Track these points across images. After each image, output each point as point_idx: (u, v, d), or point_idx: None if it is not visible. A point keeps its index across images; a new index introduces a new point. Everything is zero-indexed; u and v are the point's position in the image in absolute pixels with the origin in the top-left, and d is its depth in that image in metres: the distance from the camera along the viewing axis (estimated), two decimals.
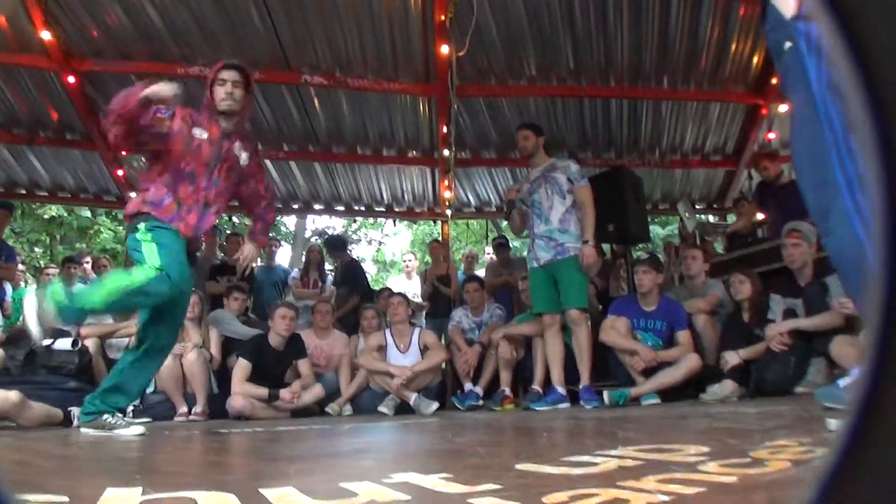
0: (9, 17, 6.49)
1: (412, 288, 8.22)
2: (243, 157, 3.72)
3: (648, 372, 5.18)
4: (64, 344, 5.41)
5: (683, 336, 5.28)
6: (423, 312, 7.76)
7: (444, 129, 7.33)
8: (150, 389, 5.69)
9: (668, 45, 7.08)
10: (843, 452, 0.48)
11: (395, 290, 7.20)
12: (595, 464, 1.67)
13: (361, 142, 8.43)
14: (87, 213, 14.16)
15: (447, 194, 8.38)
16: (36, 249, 14.82)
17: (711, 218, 9.75)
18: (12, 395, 4.10)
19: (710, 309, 5.53)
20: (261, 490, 1.38)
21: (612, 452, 1.85)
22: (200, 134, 3.54)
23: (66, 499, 1.27)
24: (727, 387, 4.83)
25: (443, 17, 6.10)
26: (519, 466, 1.68)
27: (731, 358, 4.92)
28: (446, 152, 7.46)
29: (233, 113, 3.63)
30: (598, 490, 1.25)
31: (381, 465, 1.95)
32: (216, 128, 3.59)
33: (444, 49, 6.38)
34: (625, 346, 5.25)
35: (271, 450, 2.14)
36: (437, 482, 1.45)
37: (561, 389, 5.19)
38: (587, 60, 7.21)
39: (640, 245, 9.27)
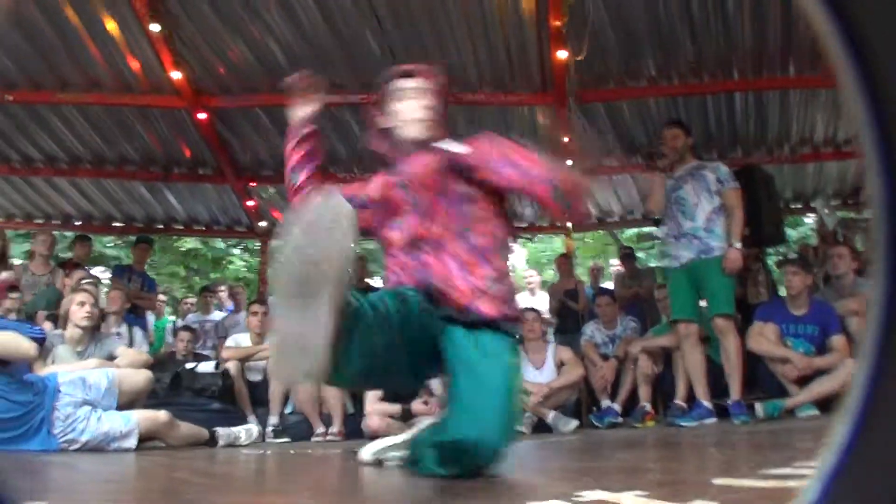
0: (141, 61, 6.88)
1: (537, 304, 8.06)
2: None
3: (802, 382, 4.82)
4: (207, 367, 5.62)
5: (838, 341, 4.89)
6: (552, 329, 7.58)
7: (565, 140, 7.16)
8: (288, 410, 5.82)
9: (792, 28, 6.60)
10: (844, 452, 0.49)
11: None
12: (805, 476, 1.49)
13: None
14: (221, 245, 14.90)
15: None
16: (174, 282, 15.70)
17: (853, 214, 9.07)
18: (162, 415, 4.28)
19: (863, 309, 5.10)
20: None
21: (812, 464, 1.66)
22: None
23: None
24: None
25: (558, 22, 5.96)
26: (716, 481, 1.52)
27: None
28: (567, 162, 7.27)
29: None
30: None
31: (557, 483, 1.83)
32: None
33: (562, 55, 6.23)
34: (777, 353, 4.91)
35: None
36: (636, 500, 1.31)
37: (707, 403, 4.89)
38: (708, 54, 6.83)
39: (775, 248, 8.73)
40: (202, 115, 7.40)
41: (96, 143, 8.16)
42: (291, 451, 3.77)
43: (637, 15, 6.35)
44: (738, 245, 4.84)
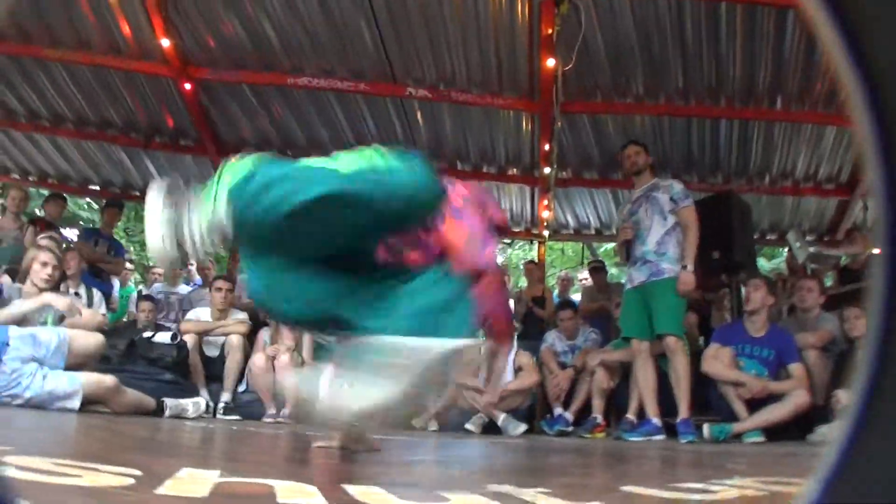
0: (133, 25, 6.83)
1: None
2: None
3: (752, 407, 4.86)
4: (163, 337, 5.58)
5: (797, 369, 4.90)
6: (516, 333, 7.60)
7: (547, 147, 7.19)
8: (242, 389, 5.80)
9: (782, 65, 6.69)
10: (843, 452, 0.49)
11: None
12: (712, 490, 1.51)
13: (462, 157, 8.39)
14: None
15: (546, 214, 8.21)
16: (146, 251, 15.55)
17: (824, 251, 9.17)
18: (108, 380, 4.26)
19: (821, 344, 5.16)
20: (344, 486, 1.29)
21: (728, 482, 1.69)
22: None
23: (138, 472, 1.22)
24: (838, 429, 4.44)
25: (549, 31, 5.98)
26: (624, 488, 1.54)
27: (845, 398, 4.51)
28: (547, 170, 7.30)
29: None
30: None
31: (473, 477, 1.84)
32: None
33: (550, 63, 6.26)
34: (730, 377, 4.93)
35: (357, 456, 2.05)
36: (536, 496, 1.32)
37: (656, 420, 4.91)
38: (697, 79, 6.92)
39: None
40: (188, 86, 7.36)
41: (80, 103, 8.09)
42: (234, 428, 3.75)
43: (629, 32, 6.40)
44: (691, 267, 4.83)
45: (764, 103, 7.19)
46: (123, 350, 5.41)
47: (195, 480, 1.21)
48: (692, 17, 6.25)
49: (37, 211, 9.93)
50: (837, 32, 0.48)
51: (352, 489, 1.25)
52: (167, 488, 1.08)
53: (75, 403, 4.04)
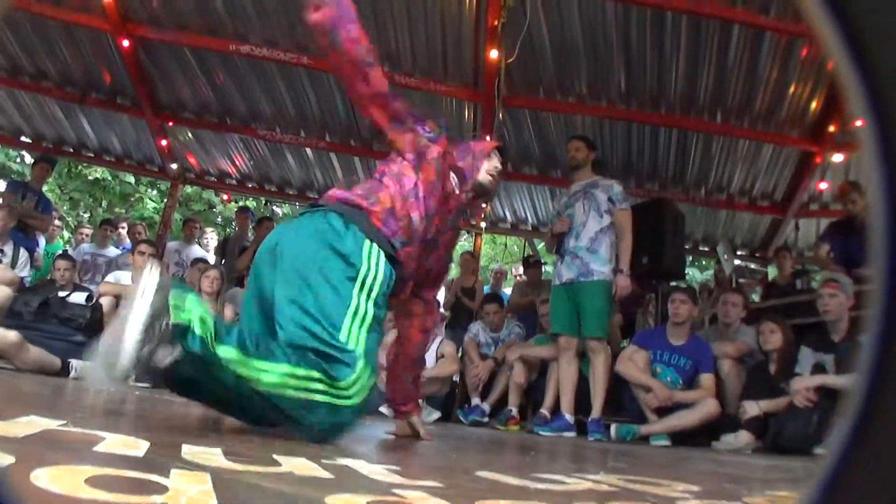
0: None
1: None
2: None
3: (663, 411, 4.96)
4: (78, 298, 5.43)
5: (707, 379, 5.01)
6: (444, 322, 7.62)
7: (487, 139, 7.19)
8: None
9: (724, 79, 6.84)
10: (843, 453, 0.48)
11: None
12: (565, 483, 1.53)
13: None
14: (131, 180, 14.36)
15: (483, 206, 8.25)
16: (78, 210, 15.09)
17: (751, 265, 9.43)
18: (11, 336, 4.14)
19: (737, 355, 5.29)
20: (183, 444, 1.27)
21: (592, 477, 1.72)
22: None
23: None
24: (742, 438, 4.59)
25: (495, 22, 5.98)
26: (480, 473, 1.54)
27: (751, 408, 4.65)
28: None
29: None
30: None
31: (332, 450, 1.83)
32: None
33: (494, 54, 6.26)
34: (640, 380, 5.02)
35: (230, 420, 2.02)
36: (377, 470, 1.32)
37: (569, 417, 4.97)
38: (639, 84, 7.01)
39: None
40: (126, 43, 7.14)
41: (15, 50, 7.79)
42: (137, 393, 3.66)
43: (574, 31, 6.43)
44: (627, 271, 4.90)
45: (704, 115, 7.33)
46: (36, 308, 5.23)
47: (28, 426, 1.17)
48: (638, 22, 6.31)
49: None
50: (838, 33, 0.49)
51: (187, 447, 1.23)
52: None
53: None
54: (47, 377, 4.26)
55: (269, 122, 8.12)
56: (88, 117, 8.69)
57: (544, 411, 5.25)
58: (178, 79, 7.75)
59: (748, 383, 5.04)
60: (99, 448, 1.06)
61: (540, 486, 1.42)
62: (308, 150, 8.70)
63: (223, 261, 7.43)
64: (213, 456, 1.16)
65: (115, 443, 1.13)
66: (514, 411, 5.58)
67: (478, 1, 6.19)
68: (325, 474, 1.17)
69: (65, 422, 1.34)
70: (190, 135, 8.69)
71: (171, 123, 8.44)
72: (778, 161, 8.07)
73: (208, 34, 7.08)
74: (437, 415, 5.45)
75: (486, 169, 3.05)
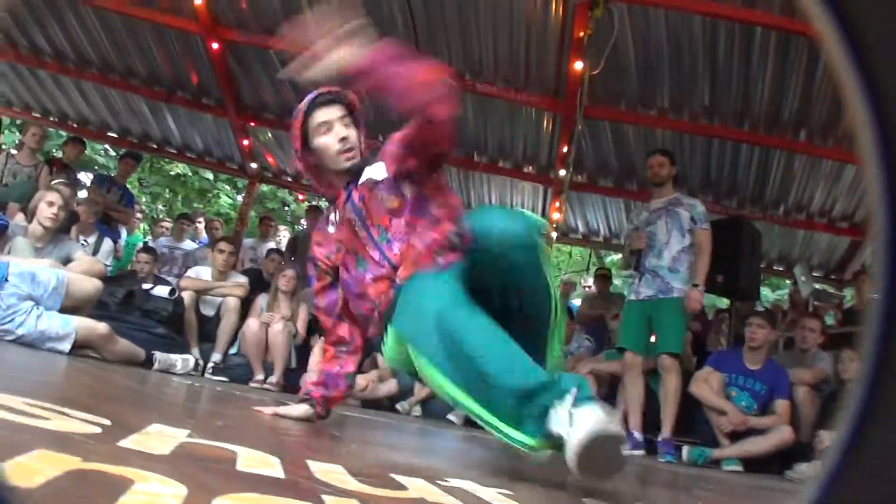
0: None
1: None
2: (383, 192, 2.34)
3: (735, 436, 4.86)
4: (161, 291, 5.62)
5: (782, 406, 4.90)
6: None
7: (565, 149, 7.15)
8: (233, 351, 5.84)
9: (811, 98, 6.64)
10: (843, 452, 0.49)
11: None
12: None
13: (480, 149, 8.37)
14: (210, 176, 14.81)
15: (556, 216, 8.20)
16: (157, 203, 15.62)
17: (828, 288, 9.12)
18: (101, 327, 4.28)
19: (814, 382, 5.15)
20: (308, 461, 1.30)
21: None
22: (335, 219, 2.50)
23: (107, 422, 1.23)
24: (817, 468, 4.44)
25: (581, 34, 5.94)
26: (585, 500, 1.54)
27: (828, 438, 4.53)
28: (563, 173, 7.27)
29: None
30: None
31: (439, 468, 1.84)
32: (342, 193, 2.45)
33: (578, 66, 6.22)
34: (715, 403, 4.93)
35: (331, 430, 2.07)
36: (494, 496, 1.33)
37: (638, 435, 4.93)
38: (723, 100, 6.86)
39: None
40: (215, 45, 7.36)
41: (107, 49, 8.10)
42: (218, 389, 3.78)
43: (661, 44, 6.34)
44: (701, 287, 4.85)
45: (788, 133, 7.13)
46: (121, 299, 5.45)
47: (161, 438, 1.22)
48: (726, 36, 6.19)
49: (54, 152, 9.96)
50: (839, 35, 0.49)
51: (314, 465, 1.26)
52: (131, 442, 1.09)
53: (66, 346, 4.08)
54: (133, 368, 4.41)
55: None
56: (173, 115, 9.00)
57: None
58: (262, 80, 7.94)
59: (823, 412, 4.91)
60: (241, 467, 1.09)
61: None
62: None
63: (293, 258, 7.57)
64: (343, 476, 1.19)
65: (250, 460, 1.17)
66: None
67: (564, 11, 6.16)
68: (455, 500, 1.18)
69: (189, 431, 1.39)
70: (270, 135, 8.90)
71: (252, 124, 8.66)
72: (860, 182, 7.78)
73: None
74: None
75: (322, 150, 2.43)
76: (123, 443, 1.07)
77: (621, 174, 8.20)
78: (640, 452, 4.84)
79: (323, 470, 1.22)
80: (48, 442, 0.92)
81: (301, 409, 2.30)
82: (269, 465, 1.16)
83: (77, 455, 0.85)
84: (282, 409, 2.30)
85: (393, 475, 1.35)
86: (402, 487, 1.21)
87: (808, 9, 0.50)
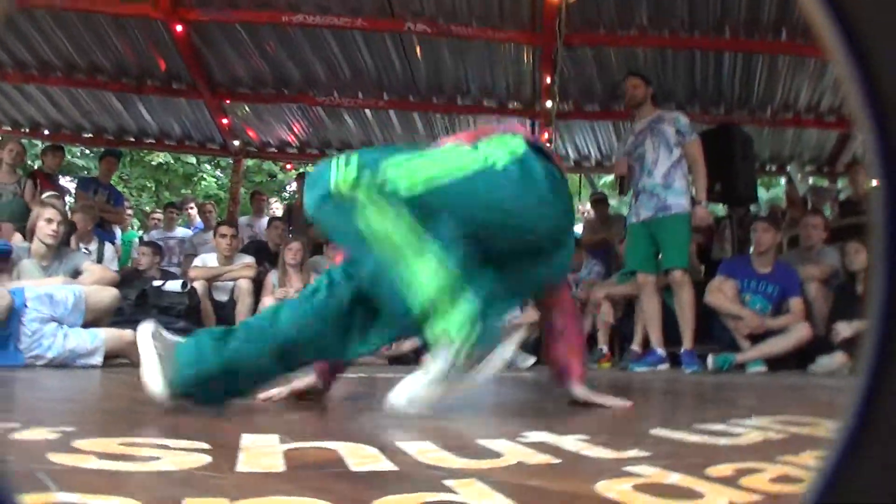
0: None
1: None
2: None
3: (754, 338, 4.97)
4: (174, 285, 5.61)
5: (796, 303, 5.02)
6: None
7: (548, 81, 7.09)
8: None
9: None
10: (843, 452, 0.49)
11: None
12: (736, 434, 1.57)
13: (462, 93, 8.30)
14: (193, 161, 14.66)
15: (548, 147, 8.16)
16: (143, 196, 15.49)
17: (823, 184, 9.20)
18: (128, 335, 4.25)
19: (823, 277, 5.25)
20: (398, 444, 1.34)
21: (749, 423, 1.75)
22: None
23: (206, 445, 1.25)
24: (838, 359, 4.59)
25: None
26: (653, 432, 1.60)
27: (844, 329, 4.65)
28: (549, 104, 7.22)
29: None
30: (760, 465, 1.16)
31: (505, 422, 1.89)
32: None
33: None
34: (731, 310, 5.03)
35: (377, 398, 2.10)
36: (577, 444, 1.38)
37: (660, 351, 5.04)
38: (702, 11, 6.77)
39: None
40: (179, 28, 7.18)
41: (67, 50, 7.90)
42: None
43: None
44: (704, 202, 4.91)
45: (769, 35, 7.06)
46: (135, 300, 5.43)
47: (265, 452, 1.23)
48: None
49: (29, 163, 9.80)
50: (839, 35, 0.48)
51: (407, 447, 1.30)
52: (244, 464, 1.11)
53: (98, 360, 4.08)
54: None
55: (326, 88, 8.15)
56: (146, 105, 8.84)
57: (635, 347, 5.33)
58: (231, 56, 7.80)
59: (836, 305, 5.04)
60: (355, 467, 1.12)
61: (723, 440, 1.47)
62: (367, 111, 8.73)
63: (290, 227, 7.54)
64: (440, 455, 1.22)
65: (355, 456, 1.20)
66: (605, 349, 5.66)
67: None
68: (552, 458, 1.23)
69: (278, 436, 1.40)
70: (248, 109, 8.79)
71: (228, 101, 8.54)
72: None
73: (258, 8, 7.07)
74: (533, 359, 5.53)
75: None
76: (240, 468, 1.08)
77: (607, 97, 8.15)
78: (665, 366, 4.96)
79: (419, 450, 1.26)
80: (182, 487, 0.92)
81: (306, 381, 2.34)
82: (375, 458, 1.19)
83: (222, 496, 0.87)
84: (285, 389, 2.32)
85: (479, 441, 1.39)
86: (497, 455, 1.25)
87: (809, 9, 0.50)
